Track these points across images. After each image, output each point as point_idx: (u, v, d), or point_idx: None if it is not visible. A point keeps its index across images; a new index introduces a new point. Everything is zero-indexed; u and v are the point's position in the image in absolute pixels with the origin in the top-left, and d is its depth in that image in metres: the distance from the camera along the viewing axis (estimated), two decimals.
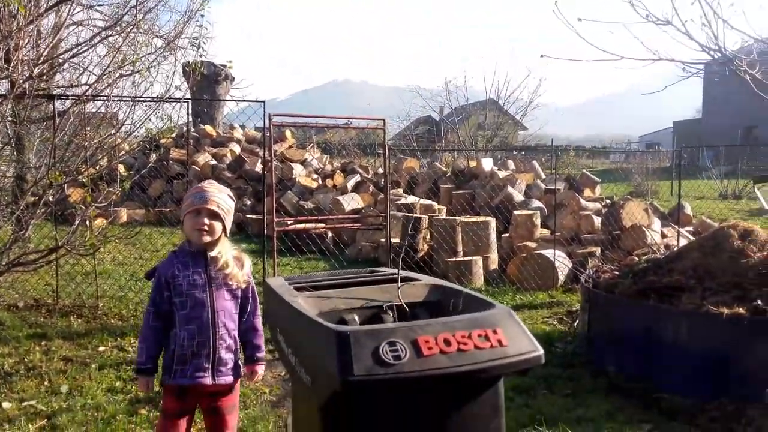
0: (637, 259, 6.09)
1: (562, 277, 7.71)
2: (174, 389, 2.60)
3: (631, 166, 21.42)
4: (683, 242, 7.55)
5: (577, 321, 6.01)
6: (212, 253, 2.65)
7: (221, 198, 2.69)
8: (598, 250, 8.23)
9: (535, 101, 29.00)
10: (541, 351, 1.28)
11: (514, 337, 1.29)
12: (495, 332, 1.28)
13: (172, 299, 2.59)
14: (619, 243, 8.31)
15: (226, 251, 2.70)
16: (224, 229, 2.70)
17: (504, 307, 1.35)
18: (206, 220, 2.61)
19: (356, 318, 1.48)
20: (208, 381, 2.60)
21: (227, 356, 2.66)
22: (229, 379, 2.67)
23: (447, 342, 1.22)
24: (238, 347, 2.73)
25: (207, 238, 2.63)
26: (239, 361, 2.75)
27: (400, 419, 1.28)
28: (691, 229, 9.94)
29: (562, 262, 7.81)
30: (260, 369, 2.81)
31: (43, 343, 5.27)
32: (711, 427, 3.85)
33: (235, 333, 2.70)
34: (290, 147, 15.44)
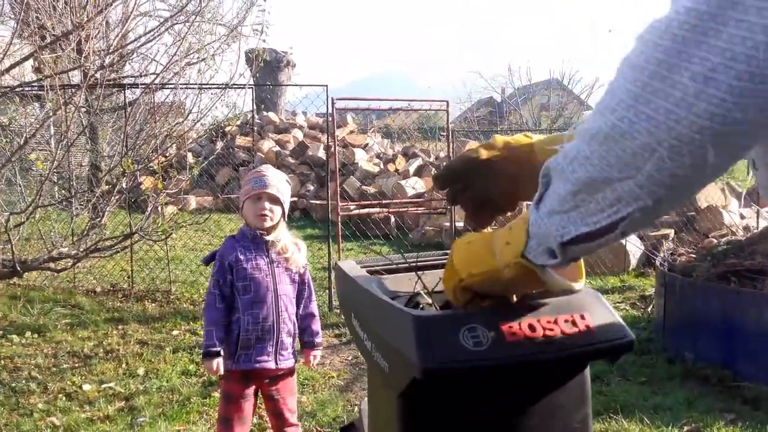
0: (715, 241, 5.82)
1: (634, 261, 7.46)
2: (237, 374, 2.63)
3: None
4: (764, 224, 7.17)
5: (651, 306, 5.81)
6: (271, 237, 2.66)
7: (280, 182, 2.70)
8: (672, 232, 7.92)
9: (601, 79, 28.18)
10: (632, 336, 1.20)
11: (603, 321, 1.21)
12: (582, 317, 1.20)
13: (234, 283, 2.61)
14: (695, 225, 7.97)
15: (285, 236, 2.71)
16: (283, 214, 2.71)
17: (591, 291, 1.27)
18: (267, 205, 2.63)
19: (433, 302, 1.42)
20: (272, 365, 2.63)
21: (288, 340, 2.68)
22: (291, 362, 2.71)
23: (532, 328, 1.15)
24: (297, 331, 2.75)
25: (269, 222, 2.64)
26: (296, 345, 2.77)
27: (482, 409, 1.22)
28: None
29: (633, 245, 7.56)
30: (318, 353, 2.82)
31: (120, 327, 5.45)
32: None
33: (294, 317, 2.72)
34: (352, 132, 15.47)
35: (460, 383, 1.18)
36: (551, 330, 1.17)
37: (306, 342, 2.80)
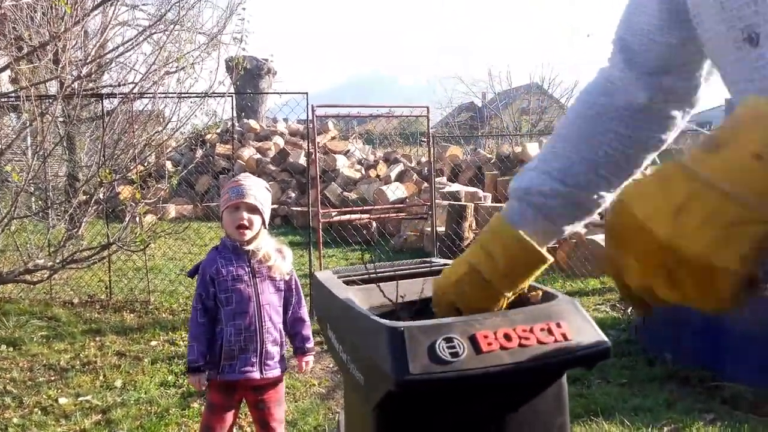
0: None
1: None
2: (221, 384, 2.61)
3: (681, 147, 20.73)
4: None
5: (631, 308, 5.85)
6: (251, 247, 2.64)
7: (258, 191, 2.67)
8: None
9: (580, 83, 28.40)
10: (608, 344, 1.20)
11: (579, 329, 1.21)
12: (559, 325, 1.20)
13: (216, 295, 2.59)
14: None
15: (266, 244, 2.68)
16: (263, 222, 2.68)
17: (568, 298, 1.27)
18: (245, 215, 2.60)
19: (409, 312, 1.41)
20: (257, 375, 2.60)
21: (274, 349, 2.65)
22: (277, 372, 2.68)
23: (507, 337, 1.15)
24: (284, 340, 2.73)
25: (248, 233, 2.61)
26: (284, 354, 2.75)
27: (459, 419, 1.21)
28: None
29: None
30: (310, 359, 2.80)
31: (97, 338, 5.38)
32: None
33: (281, 326, 2.70)
34: (333, 138, 15.46)
35: (436, 394, 1.17)
36: (527, 339, 1.17)
37: (297, 348, 2.78)
